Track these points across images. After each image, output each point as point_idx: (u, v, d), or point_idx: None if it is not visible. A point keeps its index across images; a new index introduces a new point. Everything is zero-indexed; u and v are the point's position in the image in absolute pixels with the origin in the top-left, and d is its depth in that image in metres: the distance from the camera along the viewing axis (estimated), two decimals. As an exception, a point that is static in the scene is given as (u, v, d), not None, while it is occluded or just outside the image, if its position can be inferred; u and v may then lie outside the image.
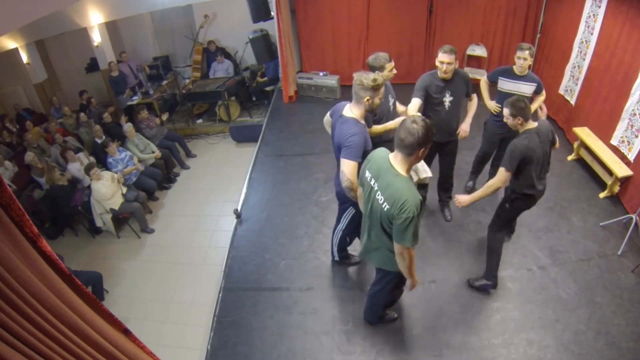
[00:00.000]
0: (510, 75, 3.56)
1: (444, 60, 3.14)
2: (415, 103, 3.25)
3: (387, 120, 3.01)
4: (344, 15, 6.41)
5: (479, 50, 6.42)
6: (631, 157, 3.92)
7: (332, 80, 6.57)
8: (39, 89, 7.27)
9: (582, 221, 3.90)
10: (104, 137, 5.77)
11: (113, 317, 1.70)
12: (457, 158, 3.79)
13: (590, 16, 4.55)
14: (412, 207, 1.94)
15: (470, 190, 4.31)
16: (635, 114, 3.84)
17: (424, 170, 3.47)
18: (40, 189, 5.26)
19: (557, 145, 2.99)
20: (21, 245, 1.29)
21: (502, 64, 3.80)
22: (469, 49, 6.47)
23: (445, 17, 6.32)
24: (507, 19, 6.11)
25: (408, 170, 2.07)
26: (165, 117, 6.54)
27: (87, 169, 4.96)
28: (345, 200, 2.84)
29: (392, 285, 2.61)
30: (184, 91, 7.37)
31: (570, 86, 5.04)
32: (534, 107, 3.72)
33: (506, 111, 2.74)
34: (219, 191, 5.84)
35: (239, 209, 4.43)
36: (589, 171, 4.46)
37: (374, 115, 2.83)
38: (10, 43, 6.47)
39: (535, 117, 2.90)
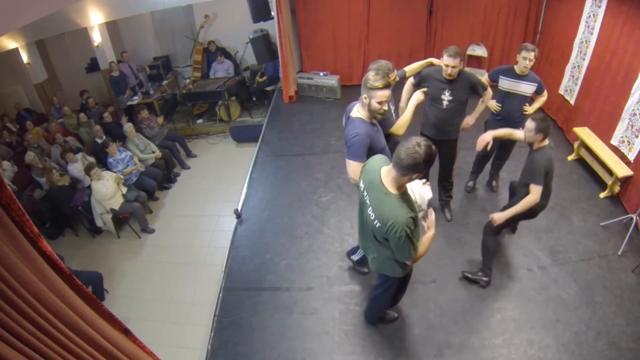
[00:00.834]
0: (511, 74, 3.56)
1: (449, 63, 3.14)
2: (408, 82, 3.42)
3: (388, 125, 2.96)
4: (345, 15, 6.41)
5: (479, 50, 6.42)
6: (631, 157, 3.91)
7: (332, 81, 6.57)
8: (39, 89, 7.26)
9: (583, 221, 3.89)
10: (104, 137, 5.77)
11: (113, 317, 1.70)
12: (457, 158, 3.79)
13: (590, 16, 4.54)
14: (402, 227, 1.89)
15: (470, 190, 4.31)
16: (635, 114, 3.84)
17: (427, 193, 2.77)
18: (41, 189, 5.26)
19: None
20: (21, 245, 1.29)
21: (503, 64, 3.79)
22: (469, 49, 6.47)
23: (446, 17, 6.32)
24: (508, 19, 6.11)
25: (400, 188, 1.98)
26: (160, 120, 6.54)
27: (88, 169, 4.95)
28: None
29: (393, 289, 2.60)
30: (184, 91, 7.36)
31: (570, 86, 5.04)
32: (534, 107, 3.73)
33: (531, 125, 2.73)
34: (219, 191, 5.84)
35: (239, 209, 4.43)
36: (589, 171, 4.46)
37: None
38: (10, 43, 6.47)
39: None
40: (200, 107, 7.66)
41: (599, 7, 4.36)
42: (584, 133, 4.50)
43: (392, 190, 1.96)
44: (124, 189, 5.21)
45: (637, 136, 3.84)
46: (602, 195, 4.16)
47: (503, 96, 3.67)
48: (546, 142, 2.79)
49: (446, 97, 3.31)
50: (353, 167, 2.45)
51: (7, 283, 1.16)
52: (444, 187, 3.92)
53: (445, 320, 3.09)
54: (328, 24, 6.53)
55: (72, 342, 1.37)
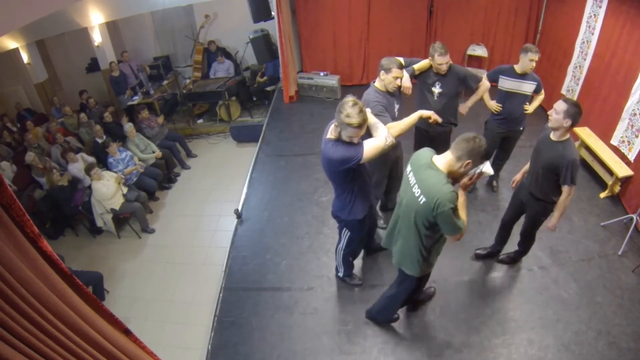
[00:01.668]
0: (512, 74, 3.56)
1: (442, 62, 3.28)
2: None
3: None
4: (345, 15, 6.40)
5: (480, 50, 6.41)
6: (631, 157, 3.91)
7: (332, 81, 6.57)
8: (39, 89, 7.27)
9: (583, 221, 3.89)
10: (104, 137, 5.77)
11: (114, 317, 1.70)
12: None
13: (591, 16, 4.54)
14: (445, 202, 1.98)
15: (470, 191, 4.30)
16: (635, 114, 3.84)
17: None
18: (41, 189, 5.27)
19: None
20: (22, 245, 1.29)
21: (504, 64, 3.79)
22: (470, 48, 6.46)
23: (446, 17, 6.32)
24: (508, 19, 6.10)
25: (449, 175, 2.07)
26: (161, 120, 6.54)
27: (88, 169, 4.96)
28: (340, 220, 2.87)
29: (409, 290, 2.64)
30: (184, 91, 7.37)
31: (571, 86, 5.04)
32: (534, 106, 3.73)
33: (562, 106, 2.44)
34: (219, 191, 5.84)
35: (239, 208, 4.43)
36: (590, 171, 4.45)
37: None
38: (10, 43, 6.47)
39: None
40: (201, 107, 7.66)
41: (600, 7, 4.36)
42: (584, 133, 4.49)
43: (443, 169, 2.08)
44: (125, 189, 5.21)
45: (637, 136, 3.84)
46: (603, 195, 4.16)
47: (504, 96, 3.66)
48: (567, 134, 2.52)
49: (436, 89, 3.42)
50: (384, 122, 2.52)
51: (8, 283, 1.16)
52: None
53: (445, 320, 3.09)
54: (328, 24, 6.53)
55: (73, 342, 1.37)
